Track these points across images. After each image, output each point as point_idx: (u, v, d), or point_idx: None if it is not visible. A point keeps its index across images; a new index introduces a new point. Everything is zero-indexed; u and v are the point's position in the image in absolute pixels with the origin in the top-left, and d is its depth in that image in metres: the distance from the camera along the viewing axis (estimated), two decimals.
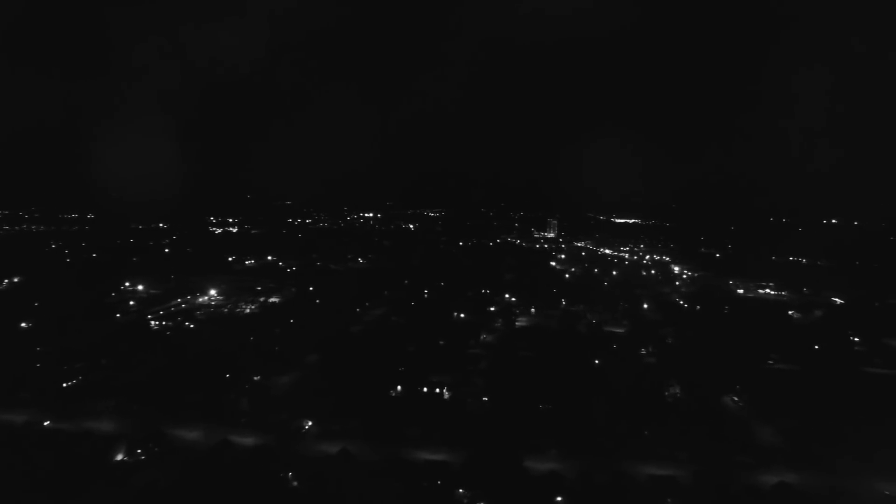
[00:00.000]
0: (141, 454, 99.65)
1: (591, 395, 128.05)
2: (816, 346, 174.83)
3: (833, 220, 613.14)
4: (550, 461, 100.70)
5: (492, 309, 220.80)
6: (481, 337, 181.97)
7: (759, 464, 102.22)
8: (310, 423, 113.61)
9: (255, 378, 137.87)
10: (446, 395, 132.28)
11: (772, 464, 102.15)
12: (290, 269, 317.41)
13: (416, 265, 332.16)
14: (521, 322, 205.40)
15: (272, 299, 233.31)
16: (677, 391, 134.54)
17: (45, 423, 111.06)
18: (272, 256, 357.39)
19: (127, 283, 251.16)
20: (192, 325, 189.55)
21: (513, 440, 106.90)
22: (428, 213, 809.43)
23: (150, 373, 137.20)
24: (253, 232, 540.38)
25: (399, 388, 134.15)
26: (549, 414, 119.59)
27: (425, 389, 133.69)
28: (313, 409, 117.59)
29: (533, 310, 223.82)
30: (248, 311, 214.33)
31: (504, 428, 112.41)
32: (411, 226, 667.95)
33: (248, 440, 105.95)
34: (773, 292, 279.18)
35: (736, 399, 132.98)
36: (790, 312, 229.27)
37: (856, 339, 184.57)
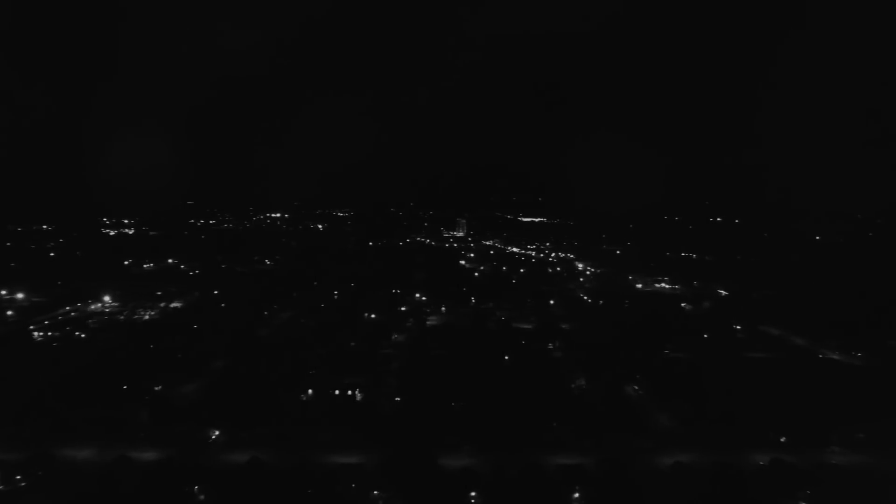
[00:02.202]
0: (21, 480, 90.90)
1: (502, 390, 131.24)
2: (705, 335, 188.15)
3: (718, 219, 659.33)
4: (464, 457, 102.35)
5: (403, 308, 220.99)
6: (393, 337, 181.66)
7: (657, 447, 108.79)
8: (217, 433, 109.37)
9: (156, 388, 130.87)
10: (359, 396, 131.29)
11: (668, 446, 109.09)
12: (193, 272, 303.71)
13: (324, 266, 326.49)
14: (431, 321, 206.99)
15: (174, 304, 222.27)
16: (583, 383, 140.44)
17: None
18: (173, 259, 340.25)
19: (3, 291, 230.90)
20: (82, 335, 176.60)
21: (426, 439, 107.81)
22: (336, 213, 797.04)
23: (33, 389, 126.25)
24: (152, 234, 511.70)
25: (310, 391, 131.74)
26: (461, 411, 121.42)
27: (337, 392, 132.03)
28: (220, 418, 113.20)
29: (443, 308, 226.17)
30: (147, 317, 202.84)
31: (417, 427, 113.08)
32: (320, 226, 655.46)
33: (148, 455, 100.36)
34: (667, 286, 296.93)
35: (636, 388, 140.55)
36: (682, 304, 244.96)
37: (738, 328, 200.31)
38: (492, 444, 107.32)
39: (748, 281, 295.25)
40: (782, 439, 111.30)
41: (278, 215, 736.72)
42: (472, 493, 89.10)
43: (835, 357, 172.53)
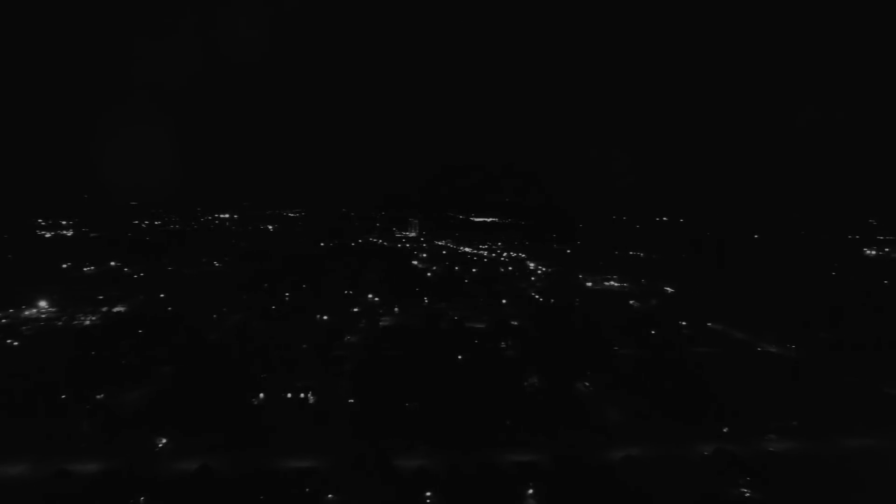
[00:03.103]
0: None
1: (456, 390, 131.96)
2: (653, 332, 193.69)
3: (664, 218, 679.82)
4: (419, 458, 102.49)
5: (355, 310, 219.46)
6: (345, 338, 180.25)
7: (608, 441, 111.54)
8: (164, 441, 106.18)
9: (98, 397, 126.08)
10: (311, 399, 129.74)
11: (619, 440, 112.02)
12: (138, 274, 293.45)
13: (275, 267, 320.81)
14: (385, 322, 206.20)
15: (116, 309, 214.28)
16: (535, 381, 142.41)
17: None
18: (116, 262, 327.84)
19: None
20: (15, 343, 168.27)
21: (381, 440, 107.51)
22: (287, 214, 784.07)
23: None
24: (92, 235, 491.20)
25: (262, 395, 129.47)
26: (415, 411, 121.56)
27: (289, 395, 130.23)
28: (168, 426, 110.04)
29: (396, 309, 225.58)
30: (87, 323, 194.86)
31: (372, 429, 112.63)
32: (270, 226, 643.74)
33: (90, 467, 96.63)
34: (616, 284, 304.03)
35: (587, 384, 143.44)
36: (631, 302, 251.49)
37: (683, 324, 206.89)
38: (446, 444, 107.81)
39: (693, 278, 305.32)
40: (725, 430, 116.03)
41: (227, 216, 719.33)
42: (428, 494, 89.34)
43: (772, 350, 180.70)
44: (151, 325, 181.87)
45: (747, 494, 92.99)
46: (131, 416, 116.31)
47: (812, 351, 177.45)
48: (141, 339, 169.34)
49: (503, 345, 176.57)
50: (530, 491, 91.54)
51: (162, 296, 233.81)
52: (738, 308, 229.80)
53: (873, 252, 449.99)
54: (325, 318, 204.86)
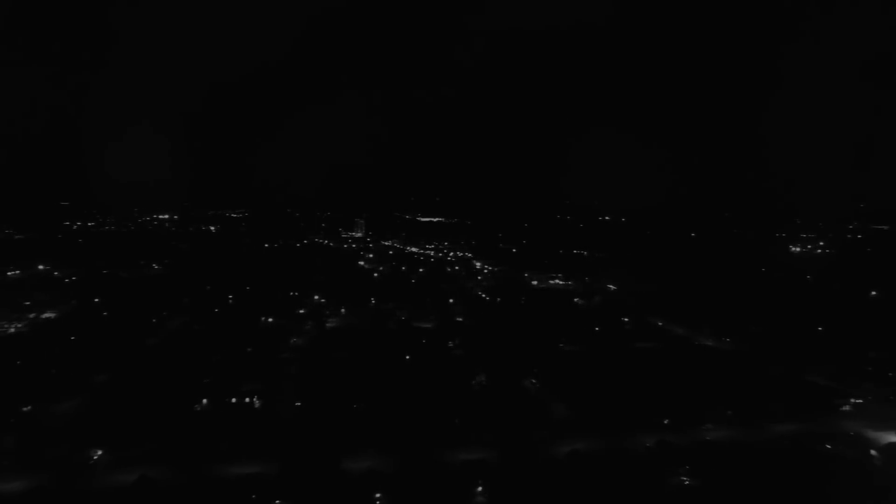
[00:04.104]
0: None
1: (404, 390, 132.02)
2: (596, 328, 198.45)
3: (606, 217, 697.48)
4: (368, 460, 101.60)
5: (301, 311, 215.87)
6: (291, 341, 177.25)
7: (554, 436, 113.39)
8: (99, 453, 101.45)
9: (25, 409, 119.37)
10: (257, 403, 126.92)
11: (565, 435, 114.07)
12: (69, 279, 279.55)
13: (218, 269, 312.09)
14: (331, 323, 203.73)
15: (46, 315, 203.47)
16: (483, 379, 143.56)
17: None
18: (44, 265, 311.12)
19: None
20: None
21: (329, 443, 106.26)
22: (230, 214, 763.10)
23: None
24: (17, 237, 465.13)
25: (205, 401, 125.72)
26: (363, 413, 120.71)
27: (234, 400, 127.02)
28: (103, 436, 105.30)
29: (343, 310, 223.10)
30: (12, 330, 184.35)
31: (319, 432, 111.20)
32: (212, 227, 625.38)
33: (15, 485, 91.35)
34: (560, 282, 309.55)
35: (534, 381, 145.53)
36: (575, 299, 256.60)
37: (625, 320, 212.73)
38: (395, 444, 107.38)
39: (634, 276, 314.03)
40: (665, 421, 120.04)
41: (166, 217, 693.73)
42: (378, 495, 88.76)
43: (709, 343, 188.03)
44: (85, 332, 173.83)
45: (686, 482, 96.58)
46: (61, 429, 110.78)
47: (744, 343, 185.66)
48: (73, 346, 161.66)
49: (450, 344, 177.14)
50: (479, 488, 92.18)
51: (96, 300, 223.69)
52: (677, 304, 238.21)
53: (798, 249, 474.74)
54: (270, 320, 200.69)
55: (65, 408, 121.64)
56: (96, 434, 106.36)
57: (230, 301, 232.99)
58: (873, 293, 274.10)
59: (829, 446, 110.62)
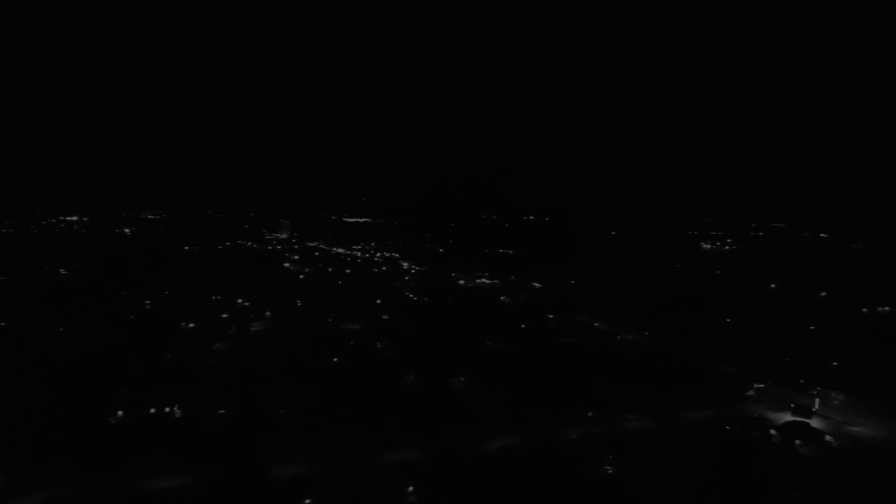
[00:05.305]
0: None
1: (332, 393, 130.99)
2: (523, 326, 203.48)
3: (531, 217, 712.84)
4: (296, 465, 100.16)
5: (224, 315, 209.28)
6: (214, 346, 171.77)
7: (484, 434, 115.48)
8: None
9: None
10: (178, 413, 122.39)
11: (494, 431, 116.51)
12: None
13: (134, 273, 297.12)
14: (256, 327, 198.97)
15: None
16: (412, 379, 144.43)
17: None
18: None
19: None
20: None
21: (255, 450, 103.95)
22: (147, 216, 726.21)
23: None
24: None
25: (120, 413, 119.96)
26: (290, 418, 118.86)
27: (153, 410, 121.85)
28: (4, 458, 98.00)
29: (268, 313, 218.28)
30: None
31: (245, 439, 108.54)
32: (127, 230, 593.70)
33: None
34: (487, 281, 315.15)
35: (462, 379, 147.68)
36: (502, 298, 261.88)
37: (550, 317, 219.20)
38: (324, 449, 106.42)
39: (558, 274, 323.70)
40: (590, 414, 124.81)
41: (75, 218, 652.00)
42: (307, 501, 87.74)
43: (629, 338, 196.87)
44: None
45: (610, 471, 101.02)
46: None
47: (661, 337, 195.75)
48: None
49: (378, 345, 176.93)
50: (410, 489, 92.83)
51: None
52: (599, 301, 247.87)
53: (709, 246, 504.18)
54: (192, 325, 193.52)
55: None
56: None
57: (147, 306, 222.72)
58: (773, 286, 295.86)
59: (734, 429, 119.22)
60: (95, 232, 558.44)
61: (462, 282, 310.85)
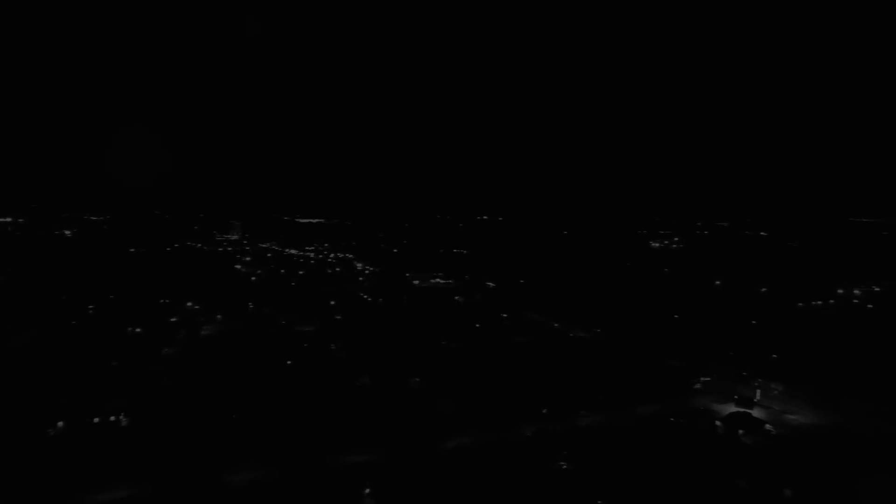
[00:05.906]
0: None
1: (285, 397, 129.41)
2: (477, 325, 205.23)
3: (485, 217, 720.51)
4: (249, 471, 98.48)
5: (173, 319, 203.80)
6: (162, 351, 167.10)
7: (440, 433, 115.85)
8: None
9: None
10: (124, 422, 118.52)
11: (450, 431, 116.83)
12: None
13: (75, 277, 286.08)
14: (206, 331, 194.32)
15: None
16: (367, 380, 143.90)
17: None
18: None
19: None
20: None
21: (206, 457, 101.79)
22: (90, 217, 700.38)
23: None
24: None
25: (60, 424, 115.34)
26: (242, 422, 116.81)
27: (97, 420, 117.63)
28: None
29: (219, 316, 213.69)
30: None
31: (195, 446, 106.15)
32: (67, 232, 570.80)
33: None
34: (441, 281, 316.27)
35: (417, 379, 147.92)
36: (456, 297, 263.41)
37: (505, 316, 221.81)
38: (277, 453, 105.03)
39: (512, 273, 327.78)
40: (544, 411, 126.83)
41: (9, 220, 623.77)
42: None
43: (581, 335, 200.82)
44: None
45: (564, 467, 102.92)
46: None
47: (612, 333, 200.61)
48: None
49: (332, 346, 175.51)
50: (367, 490, 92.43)
51: None
52: (552, 299, 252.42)
53: (657, 244, 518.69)
54: (139, 330, 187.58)
55: None
56: None
57: (90, 311, 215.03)
58: (717, 282, 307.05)
59: (681, 421, 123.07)
60: (32, 234, 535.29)
61: (416, 282, 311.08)
